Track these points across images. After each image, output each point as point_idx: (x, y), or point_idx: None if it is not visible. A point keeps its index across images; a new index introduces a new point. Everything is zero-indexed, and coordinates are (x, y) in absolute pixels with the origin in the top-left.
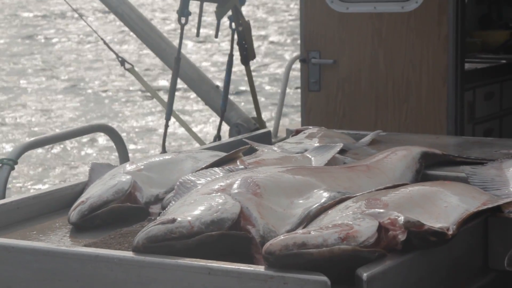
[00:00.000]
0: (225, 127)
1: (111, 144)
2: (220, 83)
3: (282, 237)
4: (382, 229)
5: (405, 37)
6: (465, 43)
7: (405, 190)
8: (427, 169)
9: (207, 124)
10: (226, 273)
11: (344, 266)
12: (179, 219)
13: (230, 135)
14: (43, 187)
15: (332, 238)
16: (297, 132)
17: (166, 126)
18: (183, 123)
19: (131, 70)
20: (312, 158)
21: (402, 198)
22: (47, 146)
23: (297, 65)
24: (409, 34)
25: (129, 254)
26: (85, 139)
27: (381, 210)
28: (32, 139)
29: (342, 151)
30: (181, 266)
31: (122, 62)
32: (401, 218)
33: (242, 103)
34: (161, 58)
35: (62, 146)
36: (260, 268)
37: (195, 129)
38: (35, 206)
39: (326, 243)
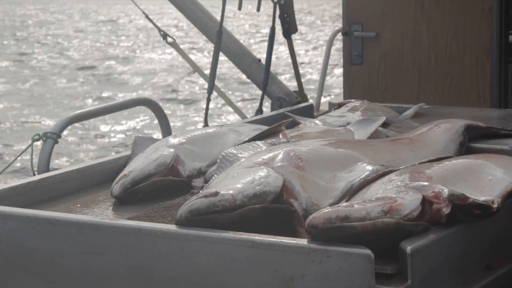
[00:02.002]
0: (268, 100)
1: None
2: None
3: (325, 210)
4: (426, 202)
5: (448, 10)
6: (509, 16)
7: (449, 163)
8: (470, 142)
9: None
10: (269, 246)
11: (387, 240)
12: (221, 192)
13: (272, 109)
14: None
15: (375, 211)
16: (340, 105)
17: (208, 99)
18: (225, 97)
19: (174, 44)
20: (355, 132)
21: (446, 171)
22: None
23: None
24: (452, 6)
25: (172, 227)
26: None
27: (425, 183)
28: (74, 113)
29: (384, 125)
30: (224, 239)
31: (164, 36)
32: (445, 191)
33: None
34: (203, 32)
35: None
36: (303, 241)
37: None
38: (79, 180)
39: (369, 216)
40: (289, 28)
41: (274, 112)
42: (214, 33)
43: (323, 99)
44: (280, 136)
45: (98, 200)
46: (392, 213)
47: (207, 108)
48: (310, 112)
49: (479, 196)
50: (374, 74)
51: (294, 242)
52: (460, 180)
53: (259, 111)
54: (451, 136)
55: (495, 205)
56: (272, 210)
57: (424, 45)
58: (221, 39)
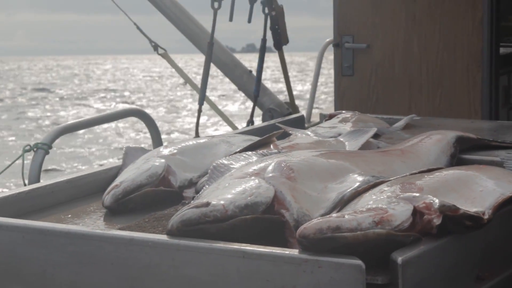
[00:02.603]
0: (258, 112)
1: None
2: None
3: (316, 221)
4: (417, 213)
5: (439, 21)
6: (500, 27)
7: (440, 174)
8: (461, 153)
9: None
10: (260, 256)
11: (378, 250)
12: (213, 202)
13: (263, 120)
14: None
15: (367, 222)
16: (331, 116)
17: (199, 111)
18: (216, 108)
19: (164, 55)
20: (346, 143)
21: (437, 182)
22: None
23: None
24: (443, 17)
25: (163, 237)
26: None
27: (416, 194)
28: (65, 123)
29: (376, 136)
30: (215, 249)
31: (155, 47)
32: (436, 202)
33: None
34: (194, 43)
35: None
36: (294, 252)
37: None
38: (70, 190)
39: (360, 227)
40: (280, 40)
41: (265, 123)
42: (206, 44)
43: (314, 111)
44: (272, 147)
45: (89, 211)
46: (383, 224)
47: (198, 119)
48: (301, 123)
49: (470, 207)
50: (365, 85)
51: (286, 252)
52: (451, 191)
53: (250, 122)
54: (442, 148)
55: (486, 217)
56: (263, 221)
57: (415, 56)
58: (212, 50)
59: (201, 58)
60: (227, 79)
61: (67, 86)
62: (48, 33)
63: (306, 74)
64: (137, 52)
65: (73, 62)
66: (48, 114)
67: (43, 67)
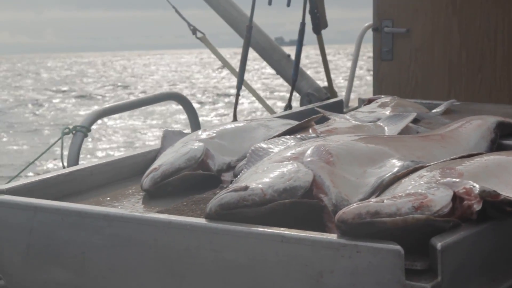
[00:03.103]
0: (297, 96)
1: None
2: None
3: (355, 206)
4: (456, 198)
5: (480, 5)
6: None
7: (480, 160)
8: (502, 139)
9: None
10: (299, 241)
11: (417, 236)
12: (251, 186)
13: (302, 105)
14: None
15: (406, 207)
16: (370, 101)
17: (237, 95)
18: (254, 93)
19: (203, 39)
20: (385, 127)
21: (477, 168)
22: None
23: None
24: (484, 2)
25: (201, 221)
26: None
27: (456, 180)
28: (104, 106)
29: (415, 121)
30: (253, 233)
31: (194, 31)
32: (477, 188)
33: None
34: (232, 27)
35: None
36: (333, 237)
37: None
38: (108, 173)
39: (399, 212)
40: (319, 24)
41: (303, 108)
42: (244, 27)
43: (352, 95)
44: (310, 131)
45: (128, 194)
46: (423, 209)
47: (236, 103)
48: (339, 107)
49: (511, 193)
50: (404, 70)
51: (324, 237)
52: (491, 177)
53: (289, 106)
54: (483, 133)
55: None
56: (302, 205)
57: (455, 41)
58: (251, 34)
59: (237, 50)
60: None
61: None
62: (76, 30)
63: (336, 68)
64: (166, 47)
65: (102, 59)
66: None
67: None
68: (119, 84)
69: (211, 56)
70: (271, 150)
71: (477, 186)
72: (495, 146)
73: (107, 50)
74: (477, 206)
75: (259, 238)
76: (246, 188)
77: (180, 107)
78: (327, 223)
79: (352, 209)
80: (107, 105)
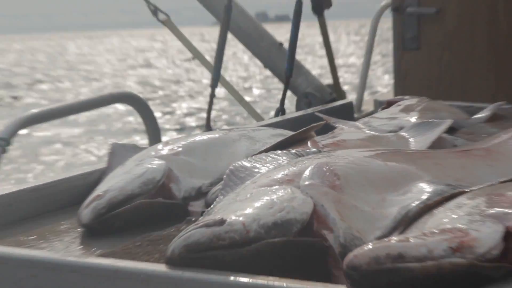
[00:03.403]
0: (291, 98)
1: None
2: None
3: (370, 246)
4: (510, 236)
5: None
6: None
7: None
8: None
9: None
10: None
11: (456, 287)
12: (229, 220)
13: (298, 108)
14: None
15: (440, 249)
16: (389, 104)
17: (212, 95)
18: (234, 93)
19: (167, 23)
20: (411, 139)
21: None
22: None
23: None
24: None
25: (161, 268)
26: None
27: (508, 211)
28: (30, 112)
29: (451, 130)
30: (232, 285)
31: (155, 11)
32: None
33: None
34: (207, 8)
35: None
36: None
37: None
38: (34, 202)
39: (431, 255)
40: (321, 2)
41: (300, 113)
42: (220, 5)
43: (366, 96)
44: (309, 144)
45: (60, 230)
46: (464, 251)
47: (209, 107)
48: (349, 112)
49: None
50: (435, 63)
51: None
52: None
53: (281, 111)
54: None
55: None
56: (298, 246)
57: (501, 25)
58: (230, 16)
59: (207, 29)
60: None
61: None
62: None
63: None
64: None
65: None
66: None
67: None
68: (44, 79)
69: (174, 39)
70: (256, 170)
71: None
72: None
73: (31, 32)
74: None
75: None
76: (222, 222)
77: (134, 112)
78: (332, 270)
79: (367, 251)
80: (33, 110)
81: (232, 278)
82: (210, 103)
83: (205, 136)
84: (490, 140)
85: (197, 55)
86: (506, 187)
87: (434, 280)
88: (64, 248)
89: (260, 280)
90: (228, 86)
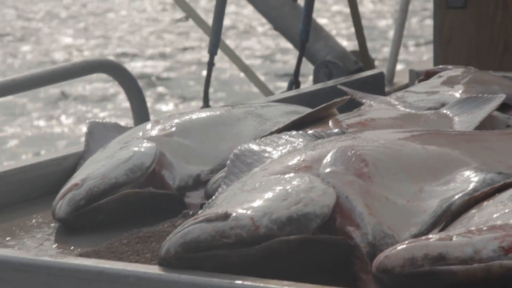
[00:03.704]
0: (308, 67)
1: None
2: None
3: (405, 246)
4: None
5: None
6: None
7: None
8: None
9: None
10: None
11: None
12: (235, 214)
13: (316, 80)
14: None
15: (489, 249)
16: (428, 74)
17: (211, 64)
18: (238, 61)
19: None
20: (455, 118)
21: None
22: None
23: None
24: None
25: (153, 270)
26: None
27: None
28: None
29: (503, 107)
30: None
31: None
32: None
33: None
34: None
35: None
36: None
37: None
38: (1, 192)
39: (478, 257)
40: None
41: (319, 86)
42: None
43: (399, 66)
44: (330, 124)
45: (32, 225)
46: None
47: (208, 79)
48: (379, 85)
49: None
50: (485, 24)
51: None
52: None
53: (295, 83)
54: None
55: None
56: (317, 245)
57: None
58: None
59: None
60: None
61: None
62: None
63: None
64: None
65: None
66: None
67: None
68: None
69: None
70: (266, 155)
71: None
72: None
73: None
74: None
75: None
76: (226, 216)
77: (115, 85)
78: (359, 273)
79: (401, 252)
80: None
81: (238, 282)
82: (209, 74)
83: (204, 114)
84: None
85: (192, 14)
86: None
87: (481, 285)
88: (36, 246)
89: (272, 285)
90: (229, 52)
